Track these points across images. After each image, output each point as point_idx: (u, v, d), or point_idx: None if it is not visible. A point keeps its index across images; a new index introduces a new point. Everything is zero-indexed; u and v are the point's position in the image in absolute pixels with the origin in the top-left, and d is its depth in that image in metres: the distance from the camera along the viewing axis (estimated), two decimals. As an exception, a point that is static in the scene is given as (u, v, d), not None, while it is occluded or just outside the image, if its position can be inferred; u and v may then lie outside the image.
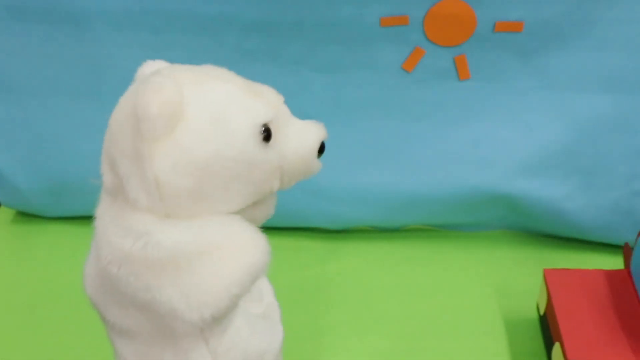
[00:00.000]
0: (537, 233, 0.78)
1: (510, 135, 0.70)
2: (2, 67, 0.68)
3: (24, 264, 0.75)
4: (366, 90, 0.69)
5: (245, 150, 0.38)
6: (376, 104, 0.69)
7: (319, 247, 0.77)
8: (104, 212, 0.39)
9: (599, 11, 0.63)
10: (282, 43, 0.65)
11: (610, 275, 0.63)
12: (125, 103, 0.38)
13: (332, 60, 0.66)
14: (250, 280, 0.38)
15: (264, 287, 0.47)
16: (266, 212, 0.43)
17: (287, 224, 0.77)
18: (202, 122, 0.36)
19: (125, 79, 0.69)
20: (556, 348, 0.58)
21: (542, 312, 0.64)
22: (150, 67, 0.41)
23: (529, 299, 0.67)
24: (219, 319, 0.38)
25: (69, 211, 0.80)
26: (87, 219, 0.82)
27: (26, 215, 0.82)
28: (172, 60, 0.67)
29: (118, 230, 0.37)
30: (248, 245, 0.38)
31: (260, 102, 0.39)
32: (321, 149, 0.42)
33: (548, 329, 0.62)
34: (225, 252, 0.38)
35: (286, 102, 0.76)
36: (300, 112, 0.73)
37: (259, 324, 0.44)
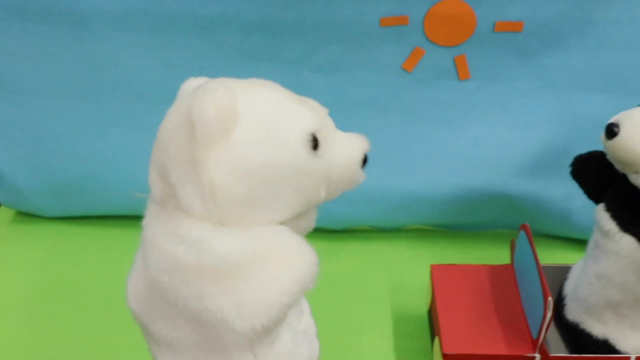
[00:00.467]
0: (536, 233, 0.78)
1: (510, 135, 0.70)
2: (2, 67, 0.68)
3: (24, 264, 0.75)
4: (366, 90, 0.69)
5: (295, 157, 0.38)
6: (376, 104, 0.69)
7: (319, 247, 0.77)
8: (153, 222, 0.39)
9: (599, 11, 0.63)
10: (282, 43, 0.65)
11: (495, 270, 0.64)
12: (175, 113, 0.38)
13: (332, 60, 0.66)
14: (300, 291, 0.38)
15: (304, 303, 0.48)
16: (308, 225, 0.43)
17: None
18: (256, 128, 0.37)
19: (126, 79, 0.69)
20: (436, 342, 0.58)
21: (427, 308, 0.65)
22: (194, 83, 0.42)
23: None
24: (269, 330, 0.39)
25: (69, 211, 0.80)
26: (87, 219, 0.82)
27: (26, 215, 0.82)
28: (172, 59, 0.68)
29: (170, 237, 0.37)
30: (298, 256, 0.39)
31: (308, 110, 0.40)
32: (364, 160, 0.42)
33: (432, 323, 0.63)
34: (277, 263, 0.38)
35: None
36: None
37: (301, 338, 0.44)
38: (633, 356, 0.56)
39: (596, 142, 0.69)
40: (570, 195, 0.72)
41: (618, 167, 0.53)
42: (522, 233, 0.61)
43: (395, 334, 0.66)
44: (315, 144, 0.39)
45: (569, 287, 0.63)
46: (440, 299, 0.61)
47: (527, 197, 0.72)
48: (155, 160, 0.39)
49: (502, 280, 0.63)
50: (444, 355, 0.55)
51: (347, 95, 0.69)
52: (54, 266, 0.75)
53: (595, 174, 0.56)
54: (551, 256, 0.76)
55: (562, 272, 0.65)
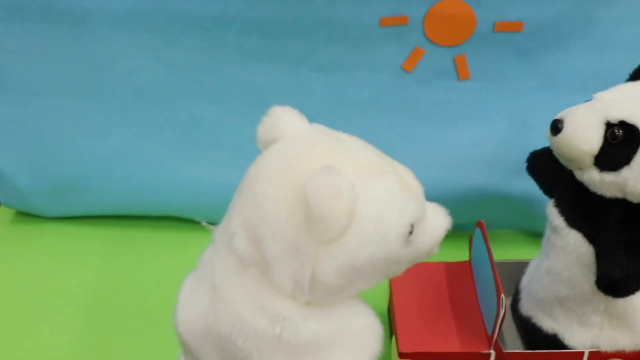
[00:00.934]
0: (537, 233, 0.78)
1: (510, 135, 0.70)
2: (2, 66, 0.68)
3: (24, 264, 0.75)
4: (366, 90, 0.69)
5: (394, 250, 0.38)
6: (376, 104, 0.70)
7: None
8: (230, 277, 0.39)
9: (599, 11, 0.63)
10: (282, 43, 0.65)
11: (453, 267, 0.64)
12: (280, 180, 0.37)
13: (332, 60, 0.66)
14: None
15: None
16: None
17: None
18: (367, 226, 0.36)
19: (126, 78, 0.69)
20: (393, 341, 0.58)
21: (387, 306, 0.65)
22: (278, 112, 0.42)
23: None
24: None
25: (69, 211, 0.80)
26: (87, 219, 0.82)
27: (26, 215, 0.82)
28: (172, 59, 0.68)
29: (252, 306, 0.38)
30: (371, 331, 0.40)
31: (413, 199, 0.39)
32: None
33: (390, 322, 0.63)
34: (353, 342, 0.39)
35: (286, 102, 0.76)
36: (301, 111, 0.73)
37: None
38: (586, 351, 0.56)
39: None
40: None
41: (563, 163, 0.53)
42: (477, 230, 0.61)
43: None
44: (411, 231, 0.39)
45: (524, 282, 0.63)
46: (397, 297, 0.60)
47: (527, 197, 0.72)
48: (248, 221, 0.38)
49: (460, 277, 0.63)
50: (400, 354, 0.55)
51: (347, 95, 0.69)
52: (53, 266, 0.75)
53: (548, 169, 0.57)
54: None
55: (521, 268, 0.65)
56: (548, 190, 0.59)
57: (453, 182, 0.72)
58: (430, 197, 0.75)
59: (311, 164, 0.36)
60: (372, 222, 0.36)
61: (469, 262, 0.64)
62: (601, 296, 0.53)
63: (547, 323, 0.59)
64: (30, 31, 0.66)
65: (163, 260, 0.75)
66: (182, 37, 0.65)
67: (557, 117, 0.52)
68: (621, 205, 0.51)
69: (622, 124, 0.49)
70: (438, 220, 0.42)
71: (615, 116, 0.49)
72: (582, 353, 0.56)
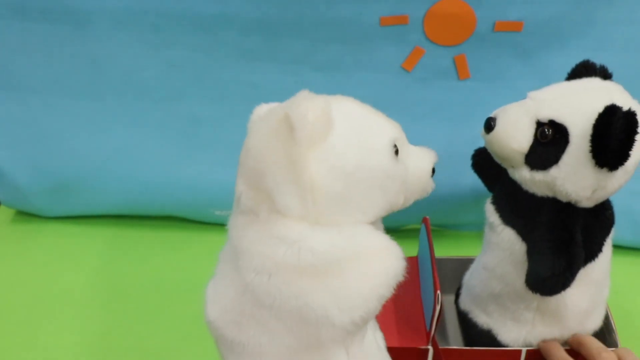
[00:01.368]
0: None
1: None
2: (4, 65, 0.68)
3: (24, 264, 0.75)
4: (366, 90, 0.69)
5: (382, 161, 0.41)
6: (376, 103, 0.69)
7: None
8: (244, 231, 0.41)
9: (599, 11, 0.63)
10: (282, 42, 0.65)
11: None
12: (263, 127, 0.40)
13: (332, 59, 0.67)
14: (393, 283, 0.41)
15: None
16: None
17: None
18: (348, 134, 0.40)
19: (127, 77, 0.69)
20: None
21: None
22: (264, 108, 0.45)
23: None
24: (366, 322, 0.41)
25: (69, 210, 0.80)
26: (87, 218, 0.82)
27: (26, 215, 0.82)
28: (172, 58, 0.68)
29: (268, 240, 0.40)
30: (388, 251, 0.41)
31: (389, 122, 0.44)
32: (433, 171, 0.46)
33: None
34: (370, 258, 0.40)
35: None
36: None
37: (381, 344, 0.48)
38: (524, 350, 0.57)
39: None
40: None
41: (497, 161, 0.54)
42: (422, 226, 0.62)
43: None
44: (396, 151, 0.42)
45: (465, 277, 0.64)
46: None
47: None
48: (245, 171, 0.41)
49: (406, 273, 0.63)
50: None
51: (347, 94, 0.68)
52: (53, 266, 0.75)
53: (491, 166, 0.57)
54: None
55: (467, 264, 0.65)
56: (490, 187, 0.60)
57: (453, 182, 0.72)
58: (430, 196, 0.75)
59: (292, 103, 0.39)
60: (352, 130, 0.40)
61: (417, 257, 0.65)
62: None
63: (482, 318, 0.60)
64: (31, 30, 0.66)
65: (163, 260, 0.75)
66: (182, 37, 0.65)
67: (492, 115, 0.52)
68: (552, 203, 0.51)
69: (552, 123, 0.49)
70: (423, 152, 0.46)
71: (545, 115, 0.49)
72: (519, 352, 0.57)
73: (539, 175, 0.50)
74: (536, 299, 0.55)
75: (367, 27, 0.64)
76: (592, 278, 0.54)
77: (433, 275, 0.55)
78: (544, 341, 0.57)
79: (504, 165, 0.53)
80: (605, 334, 0.60)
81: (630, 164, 0.48)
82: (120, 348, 0.65)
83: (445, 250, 0.76)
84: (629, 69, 0.66)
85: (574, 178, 0.48)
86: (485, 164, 0.58)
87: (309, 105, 0.38)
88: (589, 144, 0.47)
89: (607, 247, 0.55)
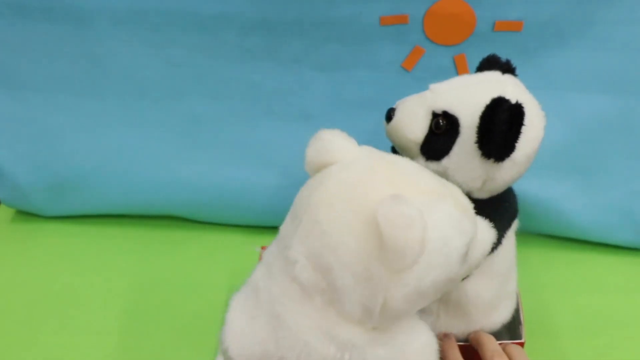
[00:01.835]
0: (537, 233, 0.78)
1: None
2: (4, 64, 0.68)
3: (24, 264, 0.75)
4: (366, 89, 0.69)
5: (454, 270, 0.39)
6: (376, 103, 0.69)
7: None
8: (292, 304, 0.40)
9: (599, 11, 0.63)
10: (282, 41, 0.65)
11: None
12: (345, 208, 0.38)
13: (332, 58, 0.67)
14: None
15: None
16: None
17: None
18: (434, 253, 0.38)
19: (127, 76, 0.69)
20: None
21: None
22: (327, 135, 0.42)
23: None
24: None
25: (69, 210, 0.80)
26: (87, 218, 0.82)
27: (26, 215, 0.82)
28: (173, 57, 0.68)
29: (319, 334, 0.39)
30: (430, 354, 0.42)
31: (468, 219, 0.41)
32: None
33: None
34: None
35: (287, 100, 0.76)
36: (301, 110, 0.73)
37: None
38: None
39: (596, 141, 0.70)
40: (569, 195, 0.72)
41: (399, 151, 0.54)
42: None
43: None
44: (467, 251, 0.40)
45: None
46: None
47: (526, 197, 0.72)
48: (314, 250, 0.39)
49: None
50: None
51: (347, 93, 0.69)
52: (53, 266, 0.75)
53: None
54: (547, 256, 0.76)
55: None
56: None
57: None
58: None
59: (376, 191, 0.37)
60: (438, 247, 0.38)
61: None
62: None
63: None
64: (31, 29, 0.66)
65: (163, 260, 0.75)
66: (182, 35, 0.65)
67: (394, 105, 0.53)
68: None
69: (445, 115, 0.49)
70: (485, 235, 0.44)
71: (440, 107, 0.50)
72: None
73: (433, 166, 0.50)
74: None
75: (367, 27, 0.64)
76: (494, 270, 0.55)
77: None
78: (442, 338, 0.56)
79: (405, 155, 0.53)
80: (515, 326, 0.60)
81: (518, 156, 0.48)
82: (120, 348, 0.65)
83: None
84: (629, 69, 0.66)
85: (464, 169, 0.49)
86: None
87: (407, 232, 0.35)
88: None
89: (509, 239, 0.56)
